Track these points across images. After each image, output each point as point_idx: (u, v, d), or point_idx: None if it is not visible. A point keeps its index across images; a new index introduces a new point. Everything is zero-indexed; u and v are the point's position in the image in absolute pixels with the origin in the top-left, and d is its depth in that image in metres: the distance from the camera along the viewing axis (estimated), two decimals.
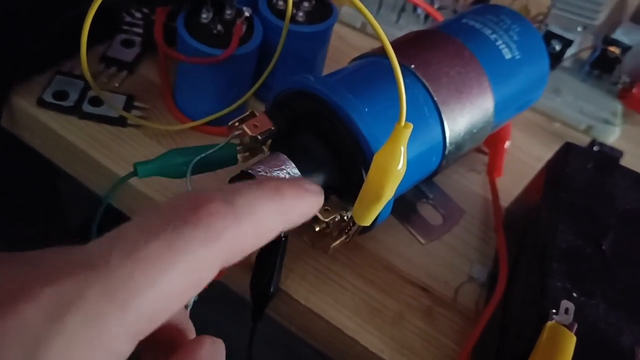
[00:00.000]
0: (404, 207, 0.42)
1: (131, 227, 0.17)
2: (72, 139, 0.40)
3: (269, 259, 0.34)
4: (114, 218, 0.34)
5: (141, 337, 0.16)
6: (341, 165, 0.32)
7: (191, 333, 0.22)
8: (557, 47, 0.52)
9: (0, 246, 0.18)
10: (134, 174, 0.32)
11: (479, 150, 0.48)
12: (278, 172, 0.31)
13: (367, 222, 0.30)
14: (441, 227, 0.42)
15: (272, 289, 0.35)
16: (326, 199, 0.32)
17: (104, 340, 0.15)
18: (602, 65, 0.54)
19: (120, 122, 0.41)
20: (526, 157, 0.50)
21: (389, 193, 0.29)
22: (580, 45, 0.54)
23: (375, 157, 0.28)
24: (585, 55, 0.55)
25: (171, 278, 0.16)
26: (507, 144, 0.47)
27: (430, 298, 0.39)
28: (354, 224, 0.31)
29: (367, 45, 0.56)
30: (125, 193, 0.40)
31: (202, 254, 0.17)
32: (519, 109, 0.42)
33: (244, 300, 0.38)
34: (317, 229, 0.32)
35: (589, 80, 0.55)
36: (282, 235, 0.34)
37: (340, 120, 0.31)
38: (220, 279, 0.40)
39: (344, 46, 0.55)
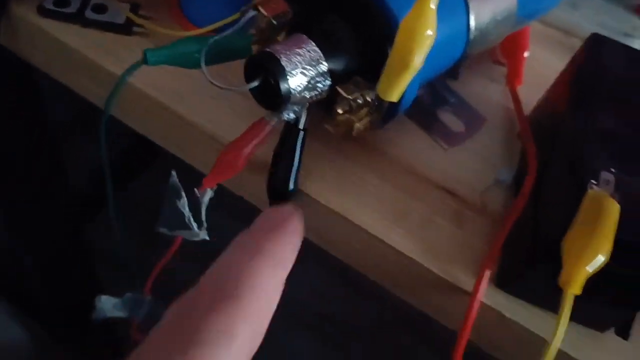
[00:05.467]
0: (424, 113, 0.41)
1: None
2: (75, 46, 0.38)
3: (287, 154, 0.33)
4: None
5: None
6: (364, 44, 0.30)
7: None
8: None
9: None
10: (144, 61, 0.31)
11: (497, 61, 0.46)
12: (298, 51, 0.30)
13: (395, 97, 0.29)
14: (463, 133, 0.41)
15: (291, 186, 0.33)
16: (349, 80, 0.31)
17: None
18: None
19: (126, 29, 0.39)
20: (545, 70, 0.47)
21: (418, 60, 0.27)
22: None
23: (402, 23, 0.27)
24: None
25: None
26: (526, 53, 0.45)
27: (457, 202, 0.37)
28: (379, 102, 0.30)
29: None
30: (127, 99, 0.38)
31: None
32: (541, 10, 0.40)
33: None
34: (340, 111, 0.30)
35: None
36: (302, 127, 0.32)
37: None
38: (232, 189, 0.38)
39: None
